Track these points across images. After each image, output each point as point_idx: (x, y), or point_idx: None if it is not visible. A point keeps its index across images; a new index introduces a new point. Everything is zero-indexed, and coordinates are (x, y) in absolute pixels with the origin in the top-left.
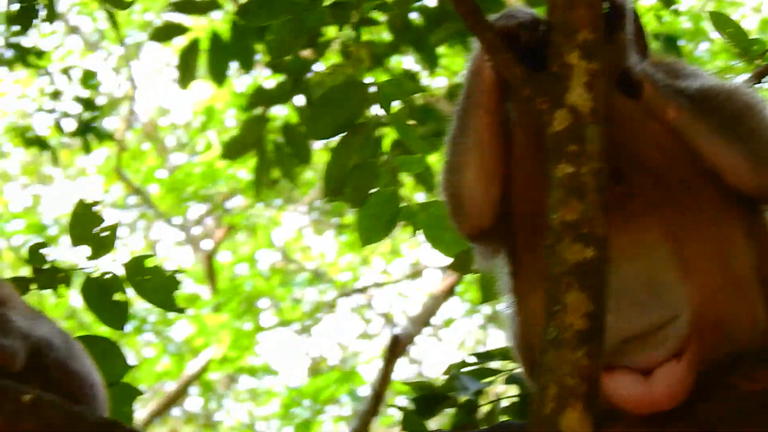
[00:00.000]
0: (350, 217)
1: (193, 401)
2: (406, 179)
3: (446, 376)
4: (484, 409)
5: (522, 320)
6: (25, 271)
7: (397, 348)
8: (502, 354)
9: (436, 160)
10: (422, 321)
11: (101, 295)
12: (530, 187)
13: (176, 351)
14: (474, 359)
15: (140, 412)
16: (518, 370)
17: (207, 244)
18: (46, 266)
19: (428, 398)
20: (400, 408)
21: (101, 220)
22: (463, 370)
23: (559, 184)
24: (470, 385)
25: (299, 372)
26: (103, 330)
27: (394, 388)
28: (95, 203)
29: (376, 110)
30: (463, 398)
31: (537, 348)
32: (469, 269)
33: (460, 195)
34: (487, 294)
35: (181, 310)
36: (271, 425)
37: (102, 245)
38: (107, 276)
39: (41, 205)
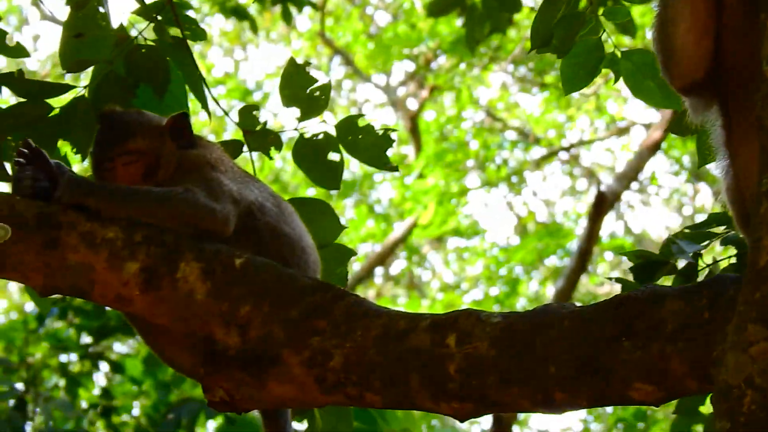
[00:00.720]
0: (554, 76)
1: (399, 263)
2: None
3: (657, 236)
4: (703, 273)
5: (735, 173)
6: (228, 136)
7: (602, 205)
8: (717, 220)
9: (640, 10)
10: (628, 177)
11: (314, 155)
12: (743, 40)
13: (381, 213)
14: (689, 230)
15: None
16: (733, 232)
17: (411, 105)
18: (257, 128)
19: (646, 265)
20: (618, 279)
21: (313, 81)
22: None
23: None
24: (687, 249)
25: (506, 231)
26: (310, 193)
27: (600, 246)
28: (306, 63)
29: None
30: (681, 263)
31: (750, 200)
32: (686, 130)
33: (672, 47)
34: (703, 156)
35: (394, 168)
36: (477, 286)
37: (314, 106)
38: (319, 136)
39: (243, 70)
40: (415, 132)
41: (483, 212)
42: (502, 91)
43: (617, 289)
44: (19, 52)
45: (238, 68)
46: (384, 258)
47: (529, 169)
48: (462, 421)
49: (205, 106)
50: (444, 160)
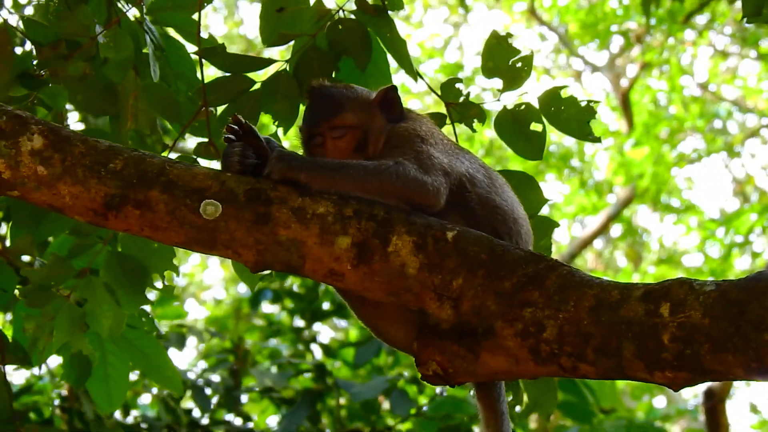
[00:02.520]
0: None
1: (615, 232)
2: None
3: None
4: None
5: None
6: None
7: None
8: None
9: None
10: None
11: (516, 126)
12: None
13: (594, 184)
14: None
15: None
16: None
17: (624, 78)
18: (460, 100)
19: None
20: None
21: (516, 52)
22: None
23: None
24: None
25: (723, 196)
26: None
27: None
28: (509, 35)
29: None
30: None
31: None
32: None
33: None
34: None
35: (597, 139)
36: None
37: (516, 77)
38: (522, 107)
39: (463, 36)
40: (626, 107)
41: (700, 181)
42: (715, 62)
43: None
44: (211, 42)
45: (457, 34)
46: (599, 232)
47: (745, 137)
48: (677, 390)
49: (411, 72)
50: (658, 129)
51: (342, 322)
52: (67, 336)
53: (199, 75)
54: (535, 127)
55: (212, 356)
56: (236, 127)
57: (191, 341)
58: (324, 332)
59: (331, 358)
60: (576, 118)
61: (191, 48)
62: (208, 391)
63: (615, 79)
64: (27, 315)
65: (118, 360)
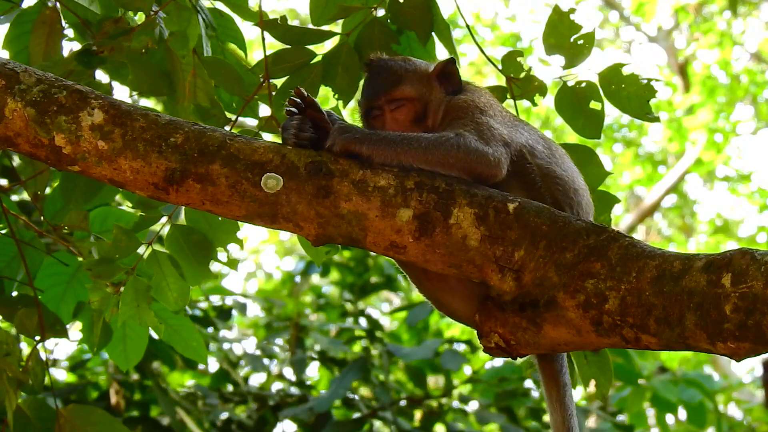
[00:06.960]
0: None
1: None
2: None
3: None
4: None
5: None
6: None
7: None
8: None
9: None
10: None
11: (575, 103)
12: None
13: (648, 154)
14: None
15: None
16: None
17: (680, 48)
18: (521, 75)
19: None
20: None
21: (578, 28)
22: None
23: None
24: None
25: None
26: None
27: None
28: (572, 11)
29: None
30: None
31: None
32: None
33: None
34: None
35: (655, 119)
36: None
37: (578, 54)
38: (582, 84)
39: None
40: (683, 75)
41: (753, 154)
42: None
43: None
44: (254, 16)
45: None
46: (655, 207)
47: None
48: (738, 360)
49: (452, 51)
50: (713, 99)
51: (384, 305)
52: (132, 308)
53: (250, 49)
54: (595, 105)
55: (273, 326)
56: (298, 100)
57: (252, 311)
58: (370, 311)
59: (378, 329)
60: (636, 96)
61: (244, 25)
62: (266, 361)
63: (671, 49)
64: (92, 287)
65: (137, 324)
